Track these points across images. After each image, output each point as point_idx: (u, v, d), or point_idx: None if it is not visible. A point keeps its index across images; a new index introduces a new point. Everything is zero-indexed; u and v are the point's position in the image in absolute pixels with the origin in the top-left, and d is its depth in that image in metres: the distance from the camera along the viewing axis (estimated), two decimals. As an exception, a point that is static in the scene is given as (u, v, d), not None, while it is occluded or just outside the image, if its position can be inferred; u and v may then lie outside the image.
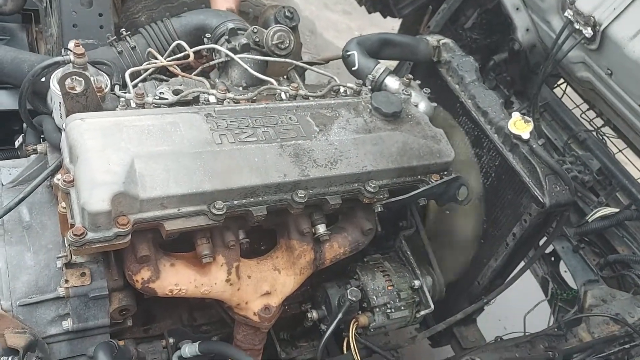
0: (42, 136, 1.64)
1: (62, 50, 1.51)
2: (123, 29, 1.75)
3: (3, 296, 1.31)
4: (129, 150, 1.20)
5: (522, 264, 1.94)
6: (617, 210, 2.29)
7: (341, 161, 1.38)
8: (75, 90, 1.34)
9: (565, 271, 2.40)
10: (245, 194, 1.28)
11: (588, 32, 2.05)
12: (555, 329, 2.00)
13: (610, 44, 2.03)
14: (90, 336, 1.38)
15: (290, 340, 1.79)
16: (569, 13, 2.12)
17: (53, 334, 1.34)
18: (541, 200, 1.59)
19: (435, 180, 1.49)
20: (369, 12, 3.18)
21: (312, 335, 1.80)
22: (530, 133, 1.63)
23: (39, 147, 1.55)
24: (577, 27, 2.09)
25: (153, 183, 1.18)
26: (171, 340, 1.52)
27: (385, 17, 3.08)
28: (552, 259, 2.44)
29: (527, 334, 2.01)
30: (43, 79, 1.55)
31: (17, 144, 1.75)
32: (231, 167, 1.27)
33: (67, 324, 1.33)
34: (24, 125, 1.69)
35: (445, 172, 1.53)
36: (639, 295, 2.14)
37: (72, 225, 1.15)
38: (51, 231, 1.42)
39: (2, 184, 1.53)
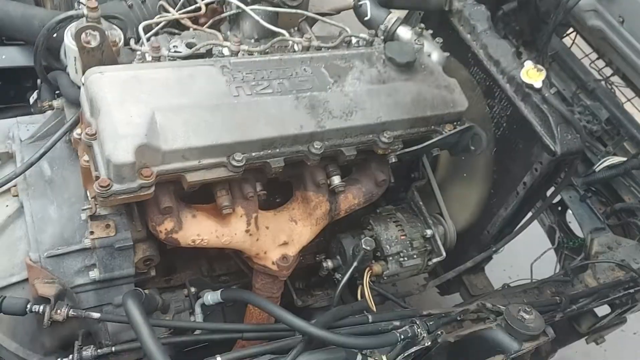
0: (56, 92, 1.66)
1: (75, 4, 1.50)
2: (132, -17, 1.74)
3: (31, 248, 1.36)
4: (149, 103, 1.21)
5: (530, 213, 1.98)
6: (625, 159, 2.31)
7: (356, 112, 1.40)
8: (91, 44, 1.34)
9: (570, 222, 2.44)
10: (263, 145, 1.30)
11: (601, -23, 2.02)
12: (562, 276, 2.05)
13: (623, -10, 2.00)
14: (116, 286, 1.43)
15: (306, 289, 1.85)
16: (581, -41, 2.09)
17: (80, 283, 1.40)
18: (552, 148, 1.61)
19: (449, 130, 1.51)
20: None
21: (327, 284, 1.86)
22: (543, 82, 1.63)
23: (55, 103, 1.57)
24: (589, -28, 2.06)
25: (174, 135, 1.20)
26: (193, 290, 1.58)
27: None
28: (559, 208, 2.47)
29: (534, 280, 2.07)
30: (55, 35, 1.55)
31: (31, 100, 1.77)
32: (249, 119, 1.29)
33: (94, 274, 1.38)
34: (38, 81, 1.70)
35: (459, 122, 1.54)
36: (644, 242, 2.19)
37: (97, 178, 1.18)
38: (73, 185, 1.45)
39: (21, 140, 1.55)
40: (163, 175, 1.22)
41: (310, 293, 1.83)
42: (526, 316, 1.40)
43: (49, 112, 1.62)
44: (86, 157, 1.27)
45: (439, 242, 1.68)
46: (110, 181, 1.16)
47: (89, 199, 1.34)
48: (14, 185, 1.43)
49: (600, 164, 2.35)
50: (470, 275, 2.13)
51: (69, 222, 1.40)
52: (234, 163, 1.26)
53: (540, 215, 2.48)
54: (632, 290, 1.97)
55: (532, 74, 1.64)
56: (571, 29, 2.77)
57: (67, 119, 1.51)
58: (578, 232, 2.39)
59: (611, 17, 2.13)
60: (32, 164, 1.40)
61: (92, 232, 1.33)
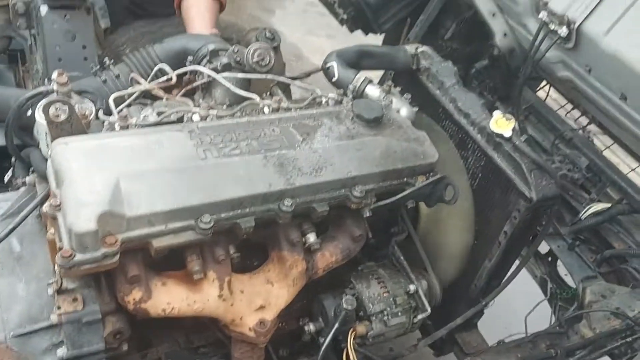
0: (31, 169, 1.66)
1: (46, 81, 1.53)
2: (106, 58, 1.78)
3: (-4, 327, 1.31)
4: (113, 170, 1.21)
5: (517, 263, 1.95)
6: (609, 205, 2.30)
7: (326, 168, 1.40)
8: (60, 118, 1.36)
9: (566, 274, 2.40)
10: (232, 206, 1.29)
11: (563, 31, 2.09)
12: (557, 327, 1.99)
13: (586, 41, 2.07)
14: (86, 363, 1.37)
15: (290, 357, 1.78)
16: (543, 14, 2.17)
17: (48, 363, 1.33)
18: (528, 195, 1.60)
19: (421, 182, 1.51)
20: (351, 31, 3.23)
21: (311, 350, 1.78)
22: (513, 130, 1.65)
23: (28, 179, 1.56)
24: (552, 27, 2.14)
25: (139, 201, 1.19)
26: (169, 363, 1.52)
27: (367, 34, 3.12)
28: (549, 259, 2.44)
29: (528, 335, 2.00)
30: (29, 113, 1.57)
31: (6, 179, 1.77)
32: (216, 180, 1.28)
33: (62, 351, 1.31)
34: (12, 159, 1.71)
35: (432, 173, 1.54)
36: (638, 288, 2.14)
37: (61, 249, 1.15)
38: (42, 260, 1.42)
39: (-7, 218, 1.54)
40: (129, 242, 1.20)
41: (295, 361, 1.76)
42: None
43: (22, 189, 1.61)
44: (52, 230, 1.25)
45: (423, 298, 1.63)
46: (72, 251, 1.13)
47: (56, 272, 1.31)
48: (-18, 263, 1.40)
49: (586, 211, 2.34)
50: (463, 333, 2.06)
51: (37, 299, 1.36)
52: (202, 225, 1.24)
53: (531, 267, 2.45)
54: (629, 339, 1.91)
55: (502, 123, 1.66)
56: (545, 82, 2.85)
57: (38, 194, 1.50)
58: (570, 282, 2.35)
59: (579, 67, 2.18)
60: (0, 241, 1.38)
61: (59, 307, 1.28)
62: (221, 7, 2.41)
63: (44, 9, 1.89)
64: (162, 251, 1.24)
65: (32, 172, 1.61)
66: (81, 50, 1.95)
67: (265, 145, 1.39)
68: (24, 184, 1.61)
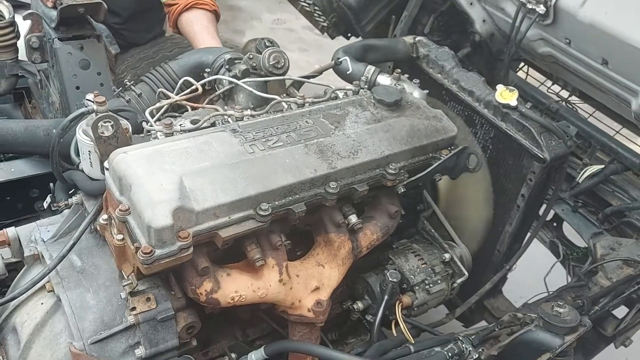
0: (70, 191, 1.72)
1: (84, 102, 1.61)
2: (126, 80, 1.87)
3: (74, 338, 1.36)
4: (175, 171, 1.29)
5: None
6: (603, 166, 2.46)
7: (361, 150, 1.51)
8: (105, 133, 1.44)
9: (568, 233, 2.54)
10: (284, 193, 1.39)
11: (541, 9, 2.25)
12: (577, 281, 2.12)
13: (563, 15, 2.23)
14: (161, 361, 1.43)
15: (339, 339, 1.86)
16: (519, -5, 2.33)
17: (127, 364, 1.40)
18: (541, 156, 1.74)
19: (446, 154, 1.62)
20: (332, 38, 3.36)
21: (359, 330, 1.88)
22: (517, 99, 1.79)
23: (73, 199, 1.63)
24: (529, 7, 2.30)
25: (204, 195, 1.28)
26: (233, 356, 1.59)
27: (348, 38, 3.26)
28: (555, 224, 2.58)
29: (551, 292, 2.13)
30: (62, 139, 1.64)
31: (45, 205, 1.82)
32: (267, 171, 1.38)
33: (140, 351, 1.38)
34: (50, 185, 1.77)
35: (452, 146, 1.66)
36: (642, 238, 2.29)
37: (137, 249, 1.23)
38: (105, 270, 1.48)
39: (44, 240, 1.59)
40: (198, 235, 1.28)
41: (345, 342, 1.85)
42: (561, 310, 1.46)
43: (67, 211, 1.67)
44: (119, 236, 1.32)
45: (459, 263, 1.75)
46: (152, 247, 1.21)
47: (126, 277, 1.38)
48: (48, 281, 1.46)
49: (582, 175, 2.49)
50: (491, 299, 2.17)
51: (108, 305, 1.42)
52: (261, 213, 1.33)
53: (540, 234, 2.59)
54: (644, 282, 2.05)
55: (506, 95, 1.80)
56: (522, 64, 3.03)
57: (87, 211, 1.57)
58: (578, 242, 2.49)
59: (558, 41, 2.35)
60: (63, 257, 1.44)
61: (133, 308, 1.35)
62: (217, 17, 2.52)
63: (57, 42, 1.97)
64: (228, 241, 1.32)
65: (71, 195, 1.68)
66: (97, 77, 2.03)
67: (304, 135, 1.49)
68: (67, 205, 1.67)
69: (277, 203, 1.38)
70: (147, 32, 2.81)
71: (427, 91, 1.85)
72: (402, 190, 1.59)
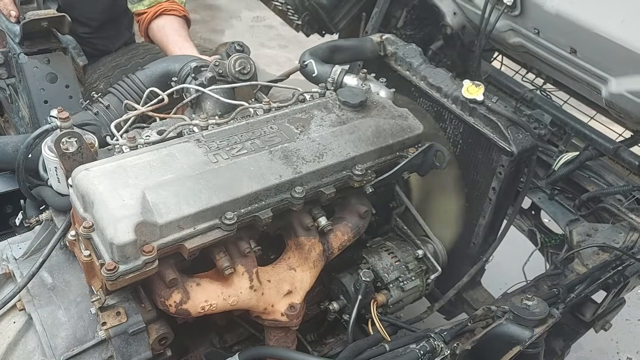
0: (41, 207, 1.72)
1: (48, 119, 1.60)
2: (94, 92, 1.86)
3: (47, 355, 1.37)
4: (137, 185, 1.30)
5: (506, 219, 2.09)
6: (578, 153, 2.48)
7: (326, 153, 1.51)
8: (69, 150, 1.44)
9: (548, 221, 2.56)
10: (249, 200, 1.39)
11: (508, 0, 2.26)
12: (554, 270, 2.14)
13: (530, 6, 2.24)
14: (136, 374, 1.44)
15: (318, 340, 1.88)
16: (486, -12, 2.34)
17: (101, 379, 1.40)
18: (509, 149, 1.75)
19: (413, 153, 1.63)
20: (307, 35, 3.36)
21: (337, 330, 1.89)
22: (484, 94, 1.80)
23: (43, 216, 1.63)
24: (497, -1, 2.31)
25: (167, 208, 1.28)
26: (210, 363, 1.60)
27: (323, 35, 3.26)
28: (532, 212, 2.60)
29: (529, 281, 2.15)
30: (30, 155, 1.63)
31: (17, 222, 1.82)
32: (232, 180, 1.38)
33: (113, 365, 1.39)
34: (21, 202, 1.76)
35: (419, 144, 1.67)
36: (617, 223, 2.32)
37: (102, 265, 1.23)
38: (76, 286, 1.48)
39: (15, 258, 1.59)
40: (163, 248, 1.28)
41: (323, 342, 1.86)
42: (529, 303, 1.48)
43: (37, 227, 1.67)
44: (86, 252, 1.32)
45: (432, 259, 1.76)
46: (115, 264, 1.21)
47: (95, 292, 1.38)
48: (19, 300, 1.46)
49: (557, 162, 2.51)
50: (470, 291, 2.19)
51: (80, 321, 1.42)
52: (227, 222, 1.34)
53: (518, 222, 2.61)
54: (620, 268, 2.07)
55: (472, 90, 1.81)
56: (497, 53, 3.04)
57: (57, 227, 1.57)
58: (555, 229, 2.51)
59: (527, 31, 2.36)
60: (33, 275, 1.43)
61: (104, 323, 1.36)
62: (188, 24, 2.51)
63: (23, 57, 1.96)
64: (194, 252, 1.33)
65: (42, 210, 1.67)
66: (65, 90, 2.02)
67: (268, 142, 1.50)
68: (38, 222, 1.67)
69: (242, 211, 1.38)
70: (117, 38, 2.80)
71: (394, 90, 1.85)
72: (371, 190, 1.60)
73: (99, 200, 1.26)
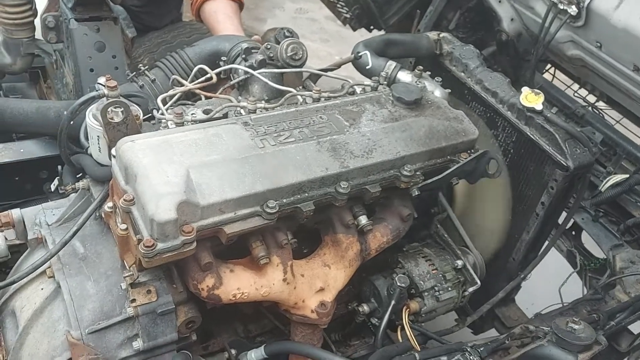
0: (78, 175, 1.70)
1: (96, 86, 1.57)
2: (141, 65, 1.83)
3: (72, 326, 1.34)
4: (182, 163, 1.25)
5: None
6: (627, 176, 2.38)
7: (375, 150, 1.45)
8: (115, 119, 1.40)
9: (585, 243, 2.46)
10: (293, 191, 1.34)
11: (573, 10, 2.17)
12: (593, 294, 2.05)
13: (595, 17, 2.15)
14: (159, 355, 1.40)
15: (343, 340, 1.82)
16: (551, -5, 2.25)
17: (124, 356, 1.36)
18: (564, 164, 1.67)
19: (465, 158, 1.56)
20: (354, 29, 3.30)
21: (363, 332, 1.83)
22: (543, 104, 1.71)
23: (80, 184, 1.60)
24: (561, 7, 2.22)
25: (210, 190, 1.24)
26: (233, 352, 1.55)
27: (370, 31, 3.19)
28: (573, 233, 2.51)
29: (565, 304, 2.06)
30: (72, 122, 1.61)
31: (52, 188, 1.80)
32: (277, 167, 1.33)
33: (137, 344, 1.35)
34: (59, 168, 1.74)
35: (472, 150, 1.60)
36: (663, 252, 2.21)
37: (139, 241, 1.19)
38: (107, 259, 1.45)
39: (48, 224, 1.57)
40: (202, 230, 1.24)
41: (348, 344, 1.81)
42: (575, 327, 1.40)
43: (73, 195, 1.64)
44: (123, 226, 1.28)
45: (472, 271, 1.69)
46: (154, 241, 1.17)
47: (127, 267, 1.34)
48: (49, 267, 1.43)
49: (605, 183, 2.41)
50: (502, 308, 2.11)
51: (108, 295, 1.39)
52: (268, 210, 1.28)
53: (557, 243, 2.51)
54: (664, 300, 1.97)
55: (532, 98, 1.73)
56: (549, 65, 2.94)
57: (94, 197, 1.54)
58: (596, 253, 2.41)
59: (589, 44, 2.26)
60: (66, 243, 1.41)
61: (133, 300, 1.32)
62: (241, 7, 2.47)
63: (73, 22, 1.94)
64: (232, 237, 1.28)
65: (80, 178, 1.65)
66: (112, 60, 1.99)
67: (317, 132, 1.44)
68: (74, 189, 1.65)
69: (285, 201, 1.33)
70: (165, 16, 2.77)
71: (449, 90, 1.78)
72: (417, 193, 1.53)
73: (143, 174, 1.22)
